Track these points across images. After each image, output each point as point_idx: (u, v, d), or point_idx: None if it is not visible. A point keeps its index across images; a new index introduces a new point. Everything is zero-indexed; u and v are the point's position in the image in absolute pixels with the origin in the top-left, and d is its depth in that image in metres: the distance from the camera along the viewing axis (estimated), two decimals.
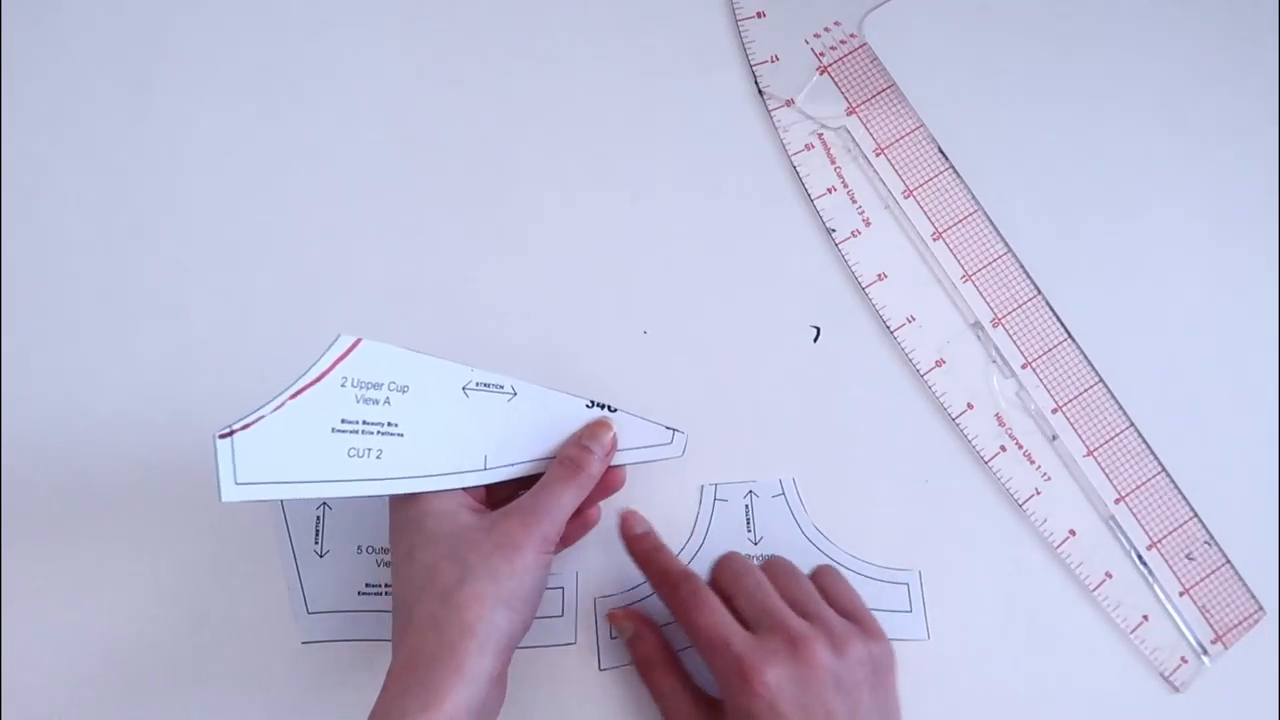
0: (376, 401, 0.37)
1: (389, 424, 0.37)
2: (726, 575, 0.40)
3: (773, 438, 0.46)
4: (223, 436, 0.34)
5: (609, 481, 0.41)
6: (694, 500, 0.45)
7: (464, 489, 0.38)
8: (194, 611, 0.43)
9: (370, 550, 0.43)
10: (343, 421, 0.36)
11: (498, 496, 0.40)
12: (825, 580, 0.41)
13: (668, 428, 0.42)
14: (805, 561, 0.43)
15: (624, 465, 0.42)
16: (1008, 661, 0.44)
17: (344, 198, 0.47)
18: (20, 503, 0.43)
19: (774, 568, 0.41)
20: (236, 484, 0.34)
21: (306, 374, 0.36)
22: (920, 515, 0.45)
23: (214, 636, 0.42)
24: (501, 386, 0.40)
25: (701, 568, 0.43)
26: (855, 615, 0.39)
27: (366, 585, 0.43)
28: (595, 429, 0.40)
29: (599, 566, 0.44)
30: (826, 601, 0.40)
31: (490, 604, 0.34)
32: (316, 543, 0.43)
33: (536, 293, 0.46)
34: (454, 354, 0.45)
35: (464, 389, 0.39)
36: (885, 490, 0.45)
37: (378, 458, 0.37)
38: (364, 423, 0.37)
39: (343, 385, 0.36)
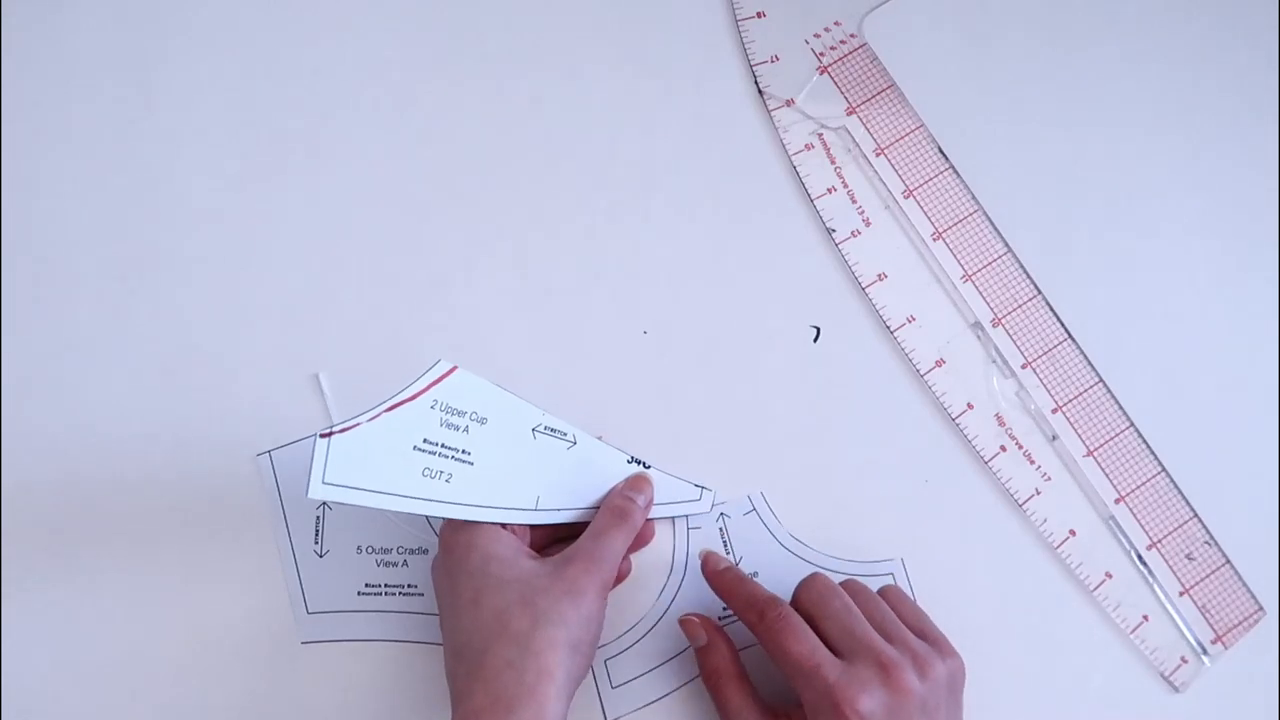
0: (457, 428, 0.39)
1: (463, 451, 0.39)
2: (812, 597, 0.40)
3: (773, 438, 0.46)
4: (324, 436, 0.36)
5: (641, 534, 0.42)
6: (668, 535, 0.44)
7: (514, 533, 0.40)
8: (194, 611, 0.42)
9: (370, 550, 0.43)
10: (425, 441, 0.38)
11: (535, 540, 0.41)
12: (893, 600, 0.41)
13: (696, 485, 0.44)
14: (789, 571, 0.44)
15: (654, 519, 0.43)
16: (1007, 661, 0.44)
17: (344, 199, 0.47)
18: (21, 502, 0.43)
19: (851, 591, 0.41)
20: (324, 483, 0.35)
21: (404, 391, 0.37)
22: (920, 515, 0.45)
23: (214, 636, 0.42)
24: (565, 434, 0.42)
25: (687, 597, 0.44)
26: (927, 634, 0.40)
27: (366, 585, 0.43)
28: (638, 482, 0.42)
29: None
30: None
31: (564, 649, 0.35)
32: (316, 542, 0.43)
33: (537, 292, 0.46)
34: (454, 354, 0.45)
35: (533, 430, 0.41)
36: (885, 490, 0.45)
37: (446, 481, 0.38)
38: (443, 446, 0.38)
39: (432, 407, 0.38)
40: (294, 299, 0.46)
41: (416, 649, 0.43)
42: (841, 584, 0.41)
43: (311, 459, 0.35)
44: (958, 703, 0.39)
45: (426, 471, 0.38)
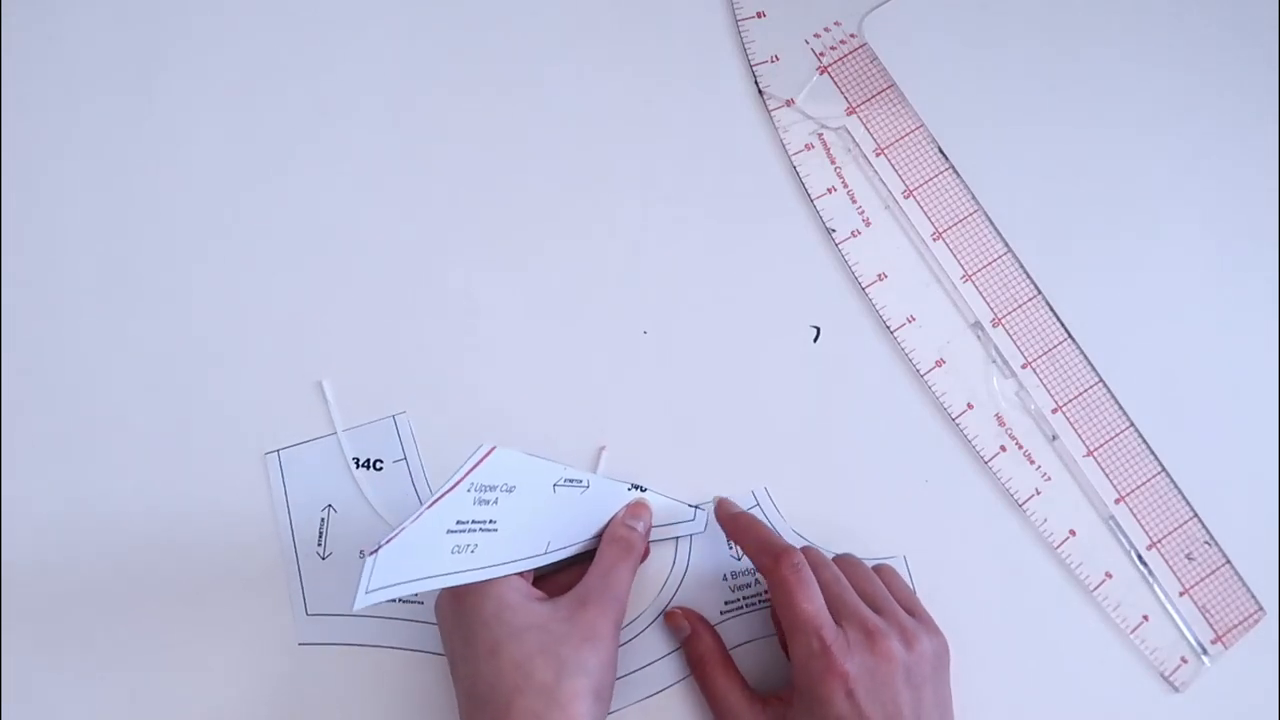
0: (488, 502, 0.38)
1: (490, 521, 0.38)
2: None
3: (773, 438, 0.46)
4: (370, 554, 0.34)
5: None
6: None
7: (520, 574, 0.39)
8: (191, 607, 0.42)
9: (373, 555, 0.43)
10: (457, 523, 0.37)
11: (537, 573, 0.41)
12: (886, 578, 0.42)
13: (691, 505, 0.44)
14: None
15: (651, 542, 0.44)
16: (1007, 662, 0.44)
17: (344, 198, 0.47)
18: (21, 500, 0.43)
19: (846, 564, 0.42)
20: (366, 593, 0.35)
21: (446, 483, 0.36)
22: (920, 515, 0.45)
23: (210, 633, 0.42)
24: (581, 481, 0.41)
25: (688, 594, 0.44)
26: (915, 612, 0.41)
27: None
28: (638, 509, 0.43)
29: None
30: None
31: (589, 698, 0.36)
32: (320, 544, 0.43)
33: (536, 292, 0.46)
34: (454, 352, 0.45)
35: (554, 486, 0.40)
36: (885, 490, 0.45)
37: (472, 552, 0.38)
38: (473, 521, 0.37)
39: (468, 490, 0.37)
40: (298, 300, 0.45)
41: (414, 656, 0.43)
42: (838, 557, 0.42)
43: (359, 576, 0.34)
44: (944, 681, 0.40)
45: (455, 549, 0.37)
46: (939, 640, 0.40)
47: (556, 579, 0.42)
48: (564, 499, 0.41)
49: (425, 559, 0.36)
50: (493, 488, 0.38)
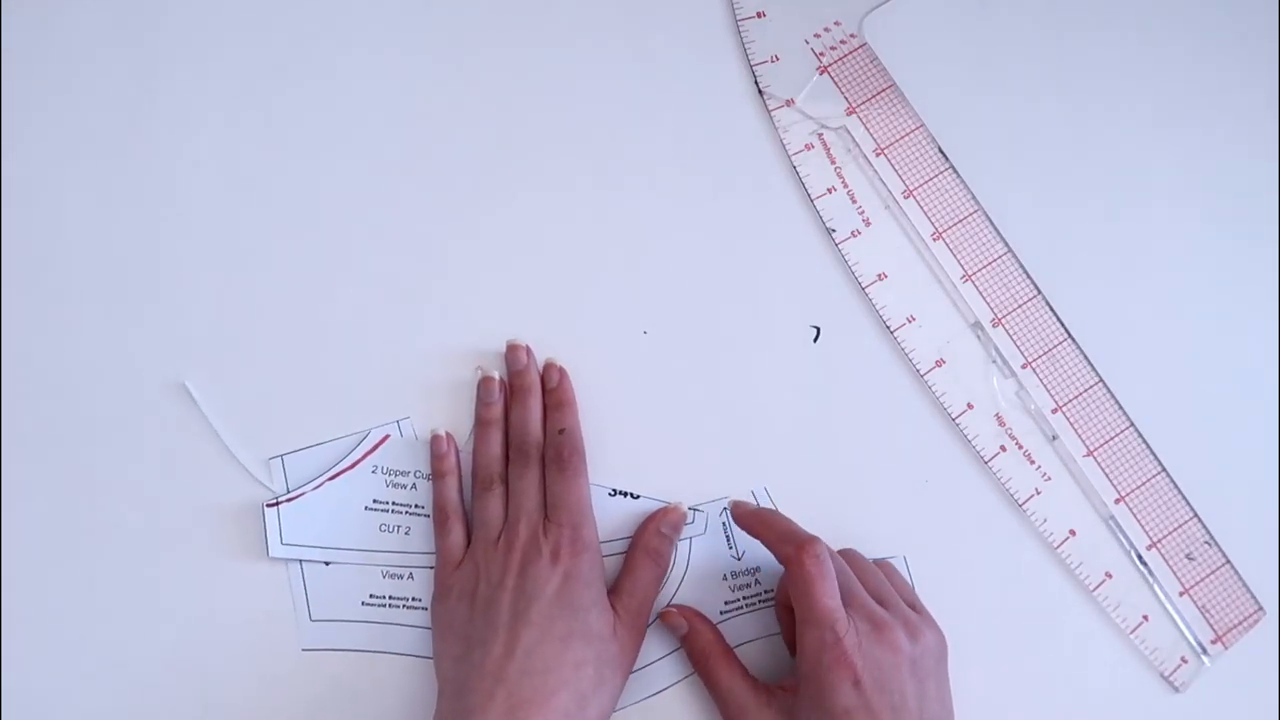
0: (404, 486, 0.43)
1: (416, 505, 0.43)
2: None
3: (773, 438, 0.46)
4: (270, 506, 0.42)
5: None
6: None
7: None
8: (196, 612, 0.42)
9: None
10: (374, 501, 0.43)
11: None
12: (886, 573, 0.43)
13: (690, 508, 0.44)
14: None
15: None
16: (1007, 661, 0.44)
17: (343, 198, 0.47)
18: (21, 503, 0.43)
19: (850, 558, 0.42)
20: (283, 544, 0.42)
21: (342, 461, 0.43)
22: (920, 515, 0.45)
23: (215, 638, 0.42)
24: None
25: (688, 595, 0.44)
26: (916, 607, 0.41)
27: (370, 596, 0.43)
28: (672, 517, 0.43)
29: None
30: None
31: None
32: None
33: (536, 292, 0.46)
34: (452, 352, 0.45)
35: None
36: (885, 490, 0.46)
37: (406, 534, 0.43)
38: (393, 504, 0.43)
39: (373, 472, 0.43)
40: (295, 295, 0.45)
41: (416, 663, 0.43)
42: (842, 551, 0.43)
43: (265, 526, 0.42)
44: (945, 676, 0.40)
45: (383, 527, 0.43)
46: (939, 635, 0.40)
47: None
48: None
49: (348, 530, 0.42)
50: (404, 473, 0.43)
